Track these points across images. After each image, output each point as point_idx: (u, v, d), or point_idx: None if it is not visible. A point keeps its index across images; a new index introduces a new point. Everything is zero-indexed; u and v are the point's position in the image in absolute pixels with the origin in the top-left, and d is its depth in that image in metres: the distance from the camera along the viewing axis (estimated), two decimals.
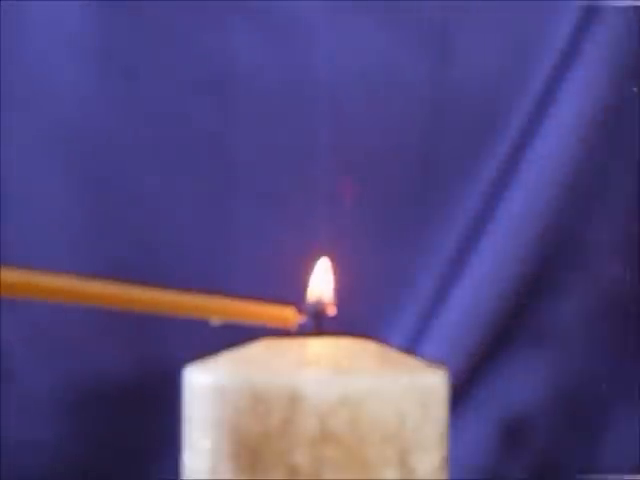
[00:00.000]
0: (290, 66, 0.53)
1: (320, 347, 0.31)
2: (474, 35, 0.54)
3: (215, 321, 0.31)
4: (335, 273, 0.34)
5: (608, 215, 0.55)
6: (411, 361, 0.31)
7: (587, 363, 0.56)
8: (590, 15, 0.54)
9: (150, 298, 0.30)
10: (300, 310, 0.33)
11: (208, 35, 0.53)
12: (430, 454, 0.29)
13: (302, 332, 0.32)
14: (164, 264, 0.53)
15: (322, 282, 0.34)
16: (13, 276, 0.26)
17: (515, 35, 0.54)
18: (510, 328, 0.55)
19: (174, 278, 0.53)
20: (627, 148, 0.55)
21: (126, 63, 0.53)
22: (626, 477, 0.54)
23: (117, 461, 0.54)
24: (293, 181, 0.54)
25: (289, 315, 0.33)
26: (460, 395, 0.54)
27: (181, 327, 0.53)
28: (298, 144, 0.54)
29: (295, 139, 0.54)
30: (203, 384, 0.29)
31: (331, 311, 0.33)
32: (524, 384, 0.55)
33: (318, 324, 0.33)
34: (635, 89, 0.54)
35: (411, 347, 0.54)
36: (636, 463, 0.56)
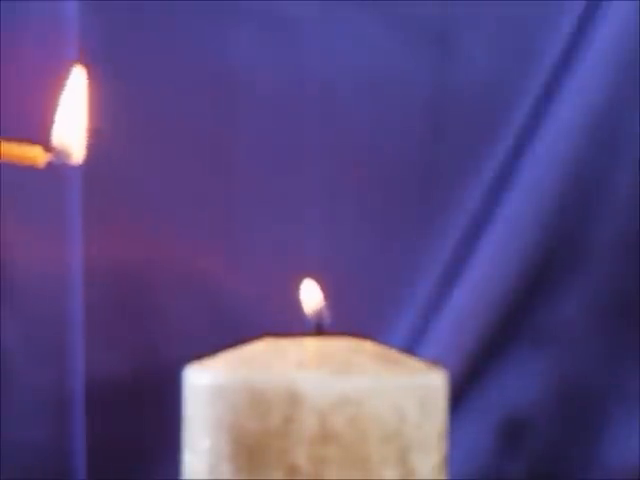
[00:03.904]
0: (290, 66, 0.53)
1: (320, 347, 0.31)
2: (475, 35, 0.54)
3: None
4: None
5: (608, 215, 0.55)
6: (411, 361, 0.31)
7: (587, 363, 0.56)
8: (590, 15, 0.54)
9: None
10: (47, 149, 0.34)
11: (208, 35, 0.53)
12: (430, 454, 0.29)
13: (302, 332, 0.32)
14: (164, 264, 0.53)
15: None
16: None
17: (515, 35, 0.54)
18: (510, 328, 0.55)
19: (173, 278, 0.54)
20: (627, 148, 0.55)
21: (126, 63, 0.53)
22: None
23: (117, 461, 0.54)
24: (292, 181, 0.54)
25: (37, 154, 0.34)
26: (459, 395, 0.54)
27: (181, 327, 0.54)
28: (298, 144, 0.54)
29: (295, 139, 0.54)
30: (203, 384, 0.29)
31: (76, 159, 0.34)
32: (524, 384, 0.55)
33: (319, 325, 0.33)
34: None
35: (411, 347, 0.54)
36: (636, 463, 0.56)
